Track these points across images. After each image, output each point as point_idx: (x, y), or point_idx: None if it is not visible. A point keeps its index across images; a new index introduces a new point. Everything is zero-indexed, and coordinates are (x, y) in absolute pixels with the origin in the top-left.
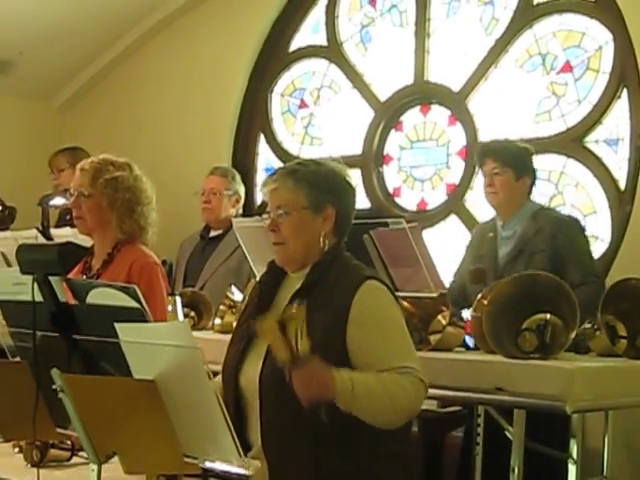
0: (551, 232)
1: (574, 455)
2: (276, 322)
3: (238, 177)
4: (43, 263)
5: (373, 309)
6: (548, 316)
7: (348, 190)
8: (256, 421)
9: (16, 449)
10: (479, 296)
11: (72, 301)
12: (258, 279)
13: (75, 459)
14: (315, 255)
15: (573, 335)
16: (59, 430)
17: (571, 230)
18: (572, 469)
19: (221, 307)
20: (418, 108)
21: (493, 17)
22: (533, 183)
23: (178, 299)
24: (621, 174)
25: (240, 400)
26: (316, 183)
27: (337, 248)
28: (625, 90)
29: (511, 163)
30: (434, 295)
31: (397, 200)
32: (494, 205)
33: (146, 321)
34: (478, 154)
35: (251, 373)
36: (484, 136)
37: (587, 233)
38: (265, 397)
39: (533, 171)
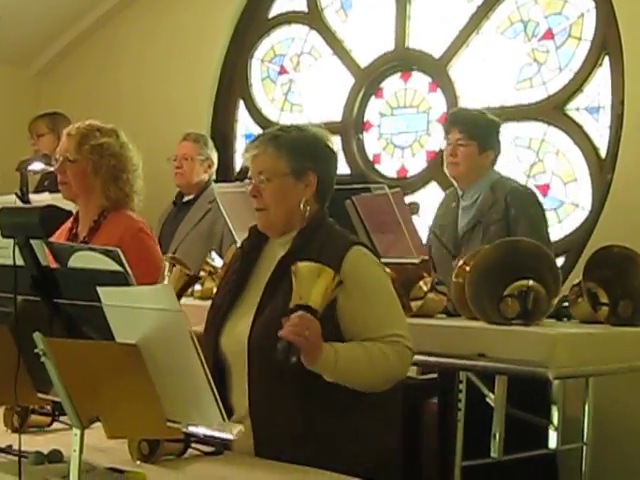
0: (505, 203)
1: (555, 422)
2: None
3: (210, 143)
4: (24, 226)
5: (362, 276)
6: (530, 282)
7: (330, 156)
8: (238, 385)
9: None
10: (460, 262)
11: (54, 265)
12: (239, 244)
13: (56, 424)
14: (297, 221)
15: (555, 302)
16: (40, 395)
17: (525, 201)
18: (552, 435)
19: (201, 273)
20: (399, 75)
21: None
22: (497, 156)
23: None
24: (602, 142)
25: (221, 363)
26: (298, 149)
27: (321, 214)
28: (607, 58)
29: (476, 136)
30: (416, 261)
31: (377, 167)
32: (453, 175)
33: (129, 285)
34: (447, 121)
35: (235, 335)
36: (465, 103)
37: (543, 204)
38: (254, 357)
39: (498, 144)
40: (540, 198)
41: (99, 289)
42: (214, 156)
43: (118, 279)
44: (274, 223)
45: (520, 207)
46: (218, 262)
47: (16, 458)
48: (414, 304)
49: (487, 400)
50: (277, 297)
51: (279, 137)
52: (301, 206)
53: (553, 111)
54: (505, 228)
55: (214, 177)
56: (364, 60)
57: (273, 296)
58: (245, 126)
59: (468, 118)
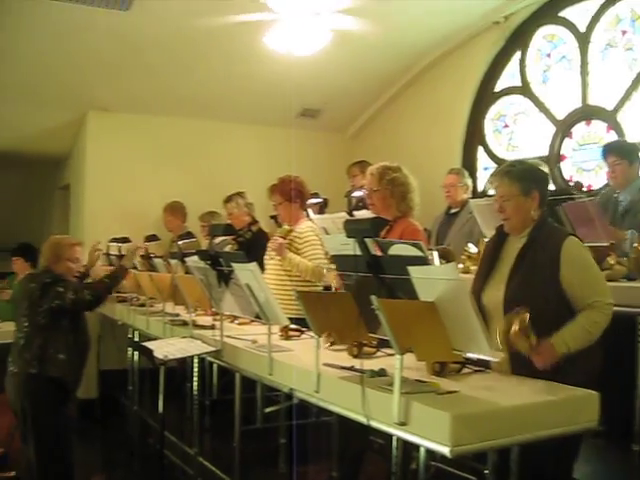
0: None
1: None
2: (519, 319)
3: (467, 173)
4: (361, 230)
5: (575, 257)
6: None
7: (544, 177)
8: (494, 325)
9: (327, 344)
10: (635, 244)
11: (379, 254)
12: (489, 238)
13: (379, 353)
14: (528, 222)
15: None
16: (370, 334)
17: None
18: None
19: (462, 257)
20: (584, 122)
21: (633, 58)
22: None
23: (435, 253)
24: None
25: (481, 311)
26: (524, 177)
27: (543, 216)
28: None
29: (625, 156)
30: (606, 244)
31: (570, 184)
32: (614, 185)
33: (428, 264)
34: (605, 151)
35: (493, 294)
36: (631, 140)
37: None
38: (508, 308)
39: (637, 157)
40: None
41: (409, 268)
42: (469, 182)
43: (421, 261)
44: (515, 227)
45: None
46: (473, 249)
47: (359, 374)
48: (605, 273)
49: None
50: (520, 273)
51: (510, 172)
52: (532, 213)
53: None
54: None
55: (470, 196)
56: (560, 114)
57: (517, 272)
58: (483, 162)
59: (618, 146)
